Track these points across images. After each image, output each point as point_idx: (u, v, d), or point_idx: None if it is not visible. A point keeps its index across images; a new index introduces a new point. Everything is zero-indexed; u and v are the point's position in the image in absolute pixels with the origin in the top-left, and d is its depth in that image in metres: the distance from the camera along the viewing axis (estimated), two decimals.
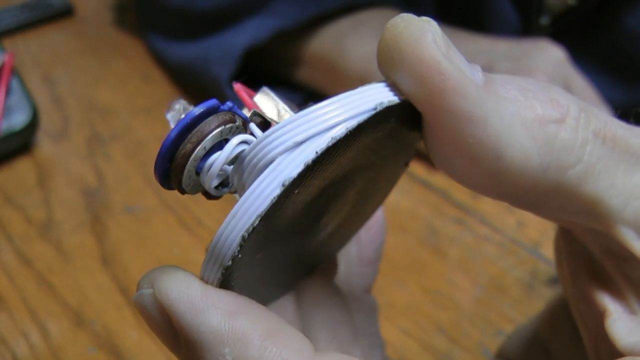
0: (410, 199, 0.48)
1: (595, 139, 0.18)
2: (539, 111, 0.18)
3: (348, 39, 0.54)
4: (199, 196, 0.20)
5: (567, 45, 0.50)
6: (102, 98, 0.60)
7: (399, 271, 0.43)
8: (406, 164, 0.23)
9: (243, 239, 0.17)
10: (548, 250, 0.44)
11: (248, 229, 0.17)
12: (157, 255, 0.45)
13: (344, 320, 0.25)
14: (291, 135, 0.17)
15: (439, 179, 0.50)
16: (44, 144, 0.54)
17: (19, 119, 0.51)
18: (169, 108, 0.20)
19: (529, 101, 0.18)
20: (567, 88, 0.48)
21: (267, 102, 0.19)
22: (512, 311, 0.40)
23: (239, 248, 0.17)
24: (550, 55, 0.48)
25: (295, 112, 0.18)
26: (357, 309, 0.26)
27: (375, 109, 0.17)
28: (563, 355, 0.26)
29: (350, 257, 0.26)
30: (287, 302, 0.24)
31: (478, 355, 0.38)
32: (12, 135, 0.51)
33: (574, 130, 0.18)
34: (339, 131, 0.17)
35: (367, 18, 0.56)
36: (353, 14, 0.56)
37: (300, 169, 0.16)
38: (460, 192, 0.49)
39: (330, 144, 0.17)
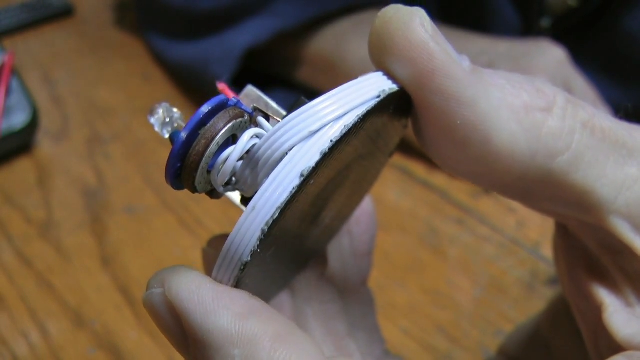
0: (410, 199, 0.48)
1: (583, 129, 0.18)
2: (526, 99, 0.18)
3: (349, 39, 0.54)
4: (200, 196, 0.20)
5: (568, 46, 0.50)
6: (102, 98, 0.60)
7: (399, 271, 0.43)
8: (390, 155, 0.24)
9: (263, 232, 0.17)
10: (548, 250, 0.44)
11: (268, 222, 0.17)
12: (157, 255, 0.45)
13: (338, 314, 0.25)
14: (304, 126, 0.17)
15: (439, 179, 0.50)
16: (44, 144, 0.54)
17: (19, 119, 0.51)
18: (151, 112, 0.20)
19: (515, 90, 0.18)
20: (568, 88, 0.48)
21: (253, 99, 0.20)
22: (512, 311, 0.40)
23: (258, 243, 0.17)
24: (551, 55, 0.49)
25: (283, 109, 0.18)
26: (354, 302, 0.26)
27: (379, 96, 0.17)
28: (564, 352, 0.26)
29: (344, 250, 0.26)
30: (284, 300, 0.25)
31: (478, 355, 0.38)
32: (12, 135, 0.51)
33: (560, 119, 0.18)
34: (351, 119, 0.17)
35: (368, 18, 0.56)
36: (353, 15, 0.56)
37: (317, 158, 0.17)
38: (460, 192, 0.49)
39: (344, 132, 0.17)
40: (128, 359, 0.38)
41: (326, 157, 0.17)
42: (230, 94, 0.20)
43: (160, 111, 0.20)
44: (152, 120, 0.20)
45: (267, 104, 0.19)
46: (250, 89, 0.20)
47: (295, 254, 0.23)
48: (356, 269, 0.26)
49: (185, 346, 0.18)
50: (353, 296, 0.26)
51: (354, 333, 0.25)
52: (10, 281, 0.42)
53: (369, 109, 0.17)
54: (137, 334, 0.39)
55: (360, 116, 0.17)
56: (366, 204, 0.26)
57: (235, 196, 0.21)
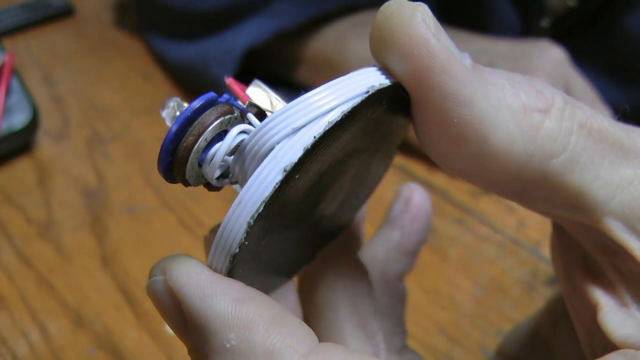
0: None
1: (580, 130, 0.18)
2: (524, 100, 0.18)
3: (348, 39, 0.54)
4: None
5: (568, 47, 0.50)
6: (102, 98, 0.60)
7: None
8: (398, 145, 0.24)
9: (249, 225, 0.17)
10: (548, 250, 0.44)
11: (253, 215, 0.17)
12: (157, 255, 0.44)
13: (367, 296, 0.25)
14: (289, 122, 0.17)
15: (439, 179, 0.50)
16: (44, 144, 0.54)
17: (19, 119, 0.51)
18: (163, 106, 0.20)
19: (514, 90, 0.18)
20: (568, 88, 0.48)
21: (259, 93, 0.20)
22: (512, 311, 0.40)
23: (245, 235, 0.17)
24: (551, 55, 0.49)
25: (288, 102, 0.18)
26: (387, 293, 0.26)
27: (368, 92, 0.18)
28: (562, 352, 0.26)
29: (391, 242, 0.26)
30: (288, 291, 0.25)
31: (478, 355, 0.38)
32: (12, 135, 0.51)
33: (558, 121, 0.18)
34: (335, 115, 0.17)
35: (367, 18, 0.56)
36: (353, 15, 0.56)
37: (300, 154, 0.17)
38: (460, 192, 0.49)
39: (327, 128, 0.17)
40: (128, 359, 0.38)
41: (309, 153, 0.17)
42: (238, 89, 0.20)
43: (171, 105, 0.20)
44: (163, 114, 0.20)
45: (270, 97, 0.20)
46: (257, 84, 0.20)
47: (298, 245, 0.23)
48: (397, 263, 0.26)
49: (185, 331, 0.18)
50: (387, 286, 0.26)
51: (379, 316, 0.25)
52: (10, 281, 0.43)
53: (355, 105, 0.17)
54: (137, 334, 0.39)
55: (345, 112, 0.17)
56: (425, 205, 0.26)
57: (239, 187, 0.21)
